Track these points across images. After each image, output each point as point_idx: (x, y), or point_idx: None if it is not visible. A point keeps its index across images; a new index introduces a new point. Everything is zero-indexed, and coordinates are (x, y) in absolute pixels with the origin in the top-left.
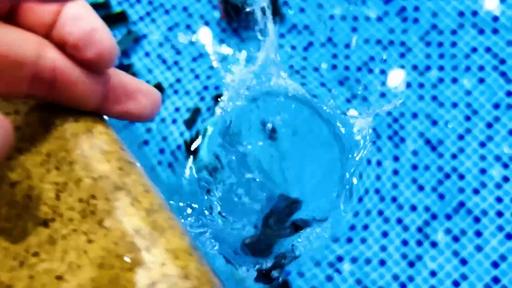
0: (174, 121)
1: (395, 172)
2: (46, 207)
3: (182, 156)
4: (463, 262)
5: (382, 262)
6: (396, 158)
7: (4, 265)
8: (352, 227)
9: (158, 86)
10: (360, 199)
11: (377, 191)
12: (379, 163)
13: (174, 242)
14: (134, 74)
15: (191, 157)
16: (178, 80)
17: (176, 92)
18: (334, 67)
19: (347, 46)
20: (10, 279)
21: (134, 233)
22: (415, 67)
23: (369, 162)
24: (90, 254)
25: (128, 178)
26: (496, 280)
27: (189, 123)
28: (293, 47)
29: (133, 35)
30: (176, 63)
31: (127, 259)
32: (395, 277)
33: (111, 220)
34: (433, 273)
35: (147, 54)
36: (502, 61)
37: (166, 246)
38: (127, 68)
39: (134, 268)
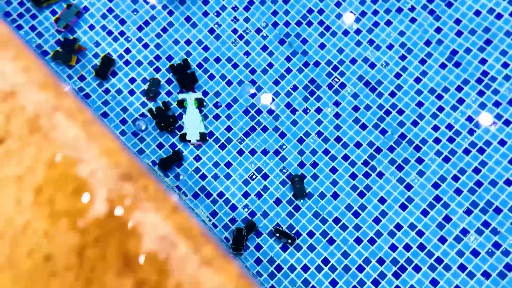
0: (131, 92)
1: (337, 115)
2: None
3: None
4: (408, 187)
5: (335, 195)
6: (337, 103)
7: None
8: (301, 165)
9: (108, 58)
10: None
11: (319, 134)
12: (319, 110)
13: (106, 144)
14: (80, 47)
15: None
16: (127, 51)
17: (127, 63)
18: (275, 24)
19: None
20: None
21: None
22: (352, 13)
23: (306, 111)
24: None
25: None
26: (437, 198)
27: (149, 93)
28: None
29: (74, 9)
30: (122, 33)
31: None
32: (348, 208)
33: (54, 132)
34: (382, 200)
35: (91, 27)
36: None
37: (100, 147)
38: (73, 43)
39: (77, 163)
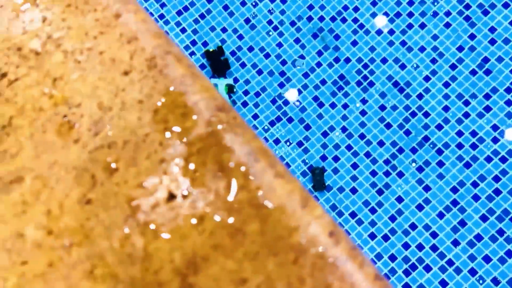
0: None
1: (363, 113)
2: (124, 64)
3: None
4: (427, 189)
5: (354, 190)
6: (364, 101)
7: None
8: (323, 158)
9: None
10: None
11: (344, 129)
12: (345, 106)
13: (204, 83)
14: None
15: None
16: (166, 33)
17: None
18: (309, 18)
19: None
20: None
21: (182, 76)
22: (387, 14)
23: (333, 105)
24: (158, 88)
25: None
26: (455, 203)
27: None
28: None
29: None
30: (161, 16)
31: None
32: (366, 203)
33: (167, 69)
34: (399, 199)
35: None
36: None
37: (201, 84)
38: None
39: (184, 95)
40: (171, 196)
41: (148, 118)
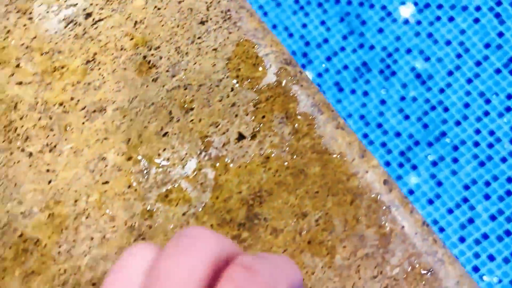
0: None
1: (382, 102)
2: (201, 14)
3: None
4: (439, 183)
5: None
6: (384, 90)
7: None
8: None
9: None
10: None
11: (361, 117)
12: (365, 93)
13: (273, 38)
14: None
15: None
16: None
17: None
18: (337, 1)
19: None
20: None
21: (254, 29)
22: (416, 4)
23: (353, 92)
24: (231, 38)
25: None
26: (465, 200)
27: None
28: None
29: None
30: None
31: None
32: None
33: (240, 22)
34: (410, 192)
35: None
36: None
37: (271, 38)
38: None
39: (255, 47)
40: (241, 136)
41: (222, 65)
